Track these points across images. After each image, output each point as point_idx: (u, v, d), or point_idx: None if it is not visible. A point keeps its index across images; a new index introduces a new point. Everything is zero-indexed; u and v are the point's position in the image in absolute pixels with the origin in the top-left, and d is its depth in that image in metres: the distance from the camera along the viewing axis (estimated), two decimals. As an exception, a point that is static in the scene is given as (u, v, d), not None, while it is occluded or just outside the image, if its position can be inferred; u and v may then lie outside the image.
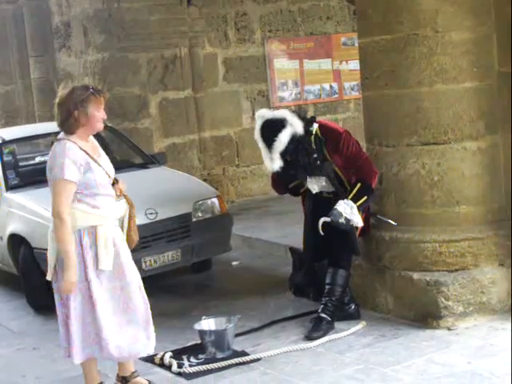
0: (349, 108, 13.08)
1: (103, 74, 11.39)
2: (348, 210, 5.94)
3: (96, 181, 4.93)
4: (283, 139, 5.86)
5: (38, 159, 9.76)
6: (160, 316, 6.93)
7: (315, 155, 6.00)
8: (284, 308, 6.85)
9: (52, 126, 9.99)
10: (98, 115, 4.97)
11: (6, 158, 8.53)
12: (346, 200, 5.97)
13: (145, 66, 11.33)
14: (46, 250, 7.17)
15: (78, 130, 4.93)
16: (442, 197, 6.12)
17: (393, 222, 6.17)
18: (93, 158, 4.96)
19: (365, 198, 6.02)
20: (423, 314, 6.02)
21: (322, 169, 6.06)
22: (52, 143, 9.51)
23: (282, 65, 12.23)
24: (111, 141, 9.64)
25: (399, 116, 6.19)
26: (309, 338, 6.03)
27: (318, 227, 6.02)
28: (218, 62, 12.04)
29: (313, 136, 6.02)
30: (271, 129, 5.90)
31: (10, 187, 8.15)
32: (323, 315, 6.14)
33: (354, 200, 5.98)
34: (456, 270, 6.03)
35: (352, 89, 12.85)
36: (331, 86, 12.79)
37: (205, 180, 9.89)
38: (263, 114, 6.03)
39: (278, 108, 6.40)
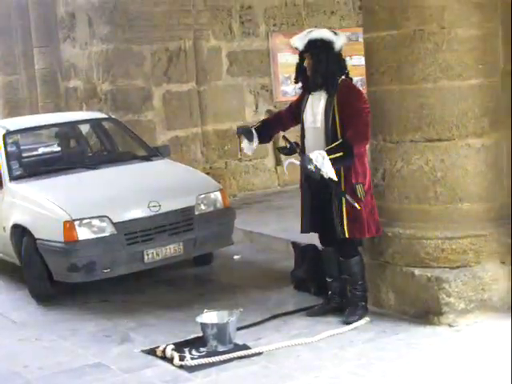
0: (352, 103, 13.05)
1: (107, 65, 11.38)
2: (320, 160, 5.85)
3: None
4: (323, 32, 6.19)
5: (41, 150, 9.79)
6: (162, 309, 7.02)
7: (333, 73, 6.15)
8: (285, 302, 6.86)
9: (55, 117, 10.09)
10: None
11: (9, 149, 8.53)
12: (320, 151, 5.91)
13: (149, 58, 11.31)
14: (48, 240, 7.27)
15: None
16: (445, 193, 6.12)
17: (357, 206, 6.00)
18: None
19: (340, 153, 5.91)
20: (424, 310, 6.03)
21: (332, 82, 6.11)
22: (56, 134, 9.66)
23: (286, 59, 12.17)
24: (114, 133, 9.66)
25: (403, 112, 6.18)
26: (346, 322, 6.11)
27: (315, 203, 6.08)
28: (222, 56, 12.02)
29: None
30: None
31: (13, 177, 8.15)
32: (354, 300, 6.23)
33: (329, 152, 5.89)
34: (458, 267, 6.04)
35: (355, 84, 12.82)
36: (335, 81, 12.75)
37: (207, 174, 9.87)
38: None
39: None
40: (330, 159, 5.86)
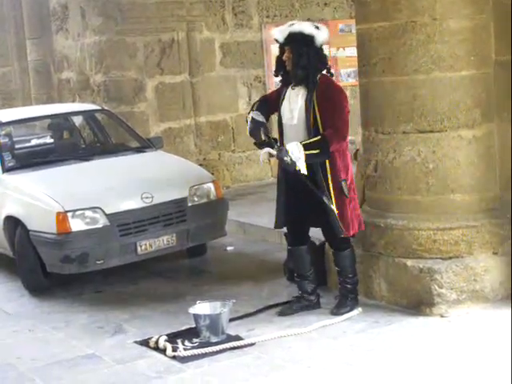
0: (345, 95, 13.07)
1: (100, 57, 11.37)
2: (296, 152, 5.80)
3: None
4: (304, 26, 5.99)
5: (34, 141, 9.77)
6: (155, 300, 7.03)
7: (314, 67, 5.96)
8: (278, 293, 6.88)
9: (48, 109, 10.08)
10: None
11: (2, 140, 8.53)
12: (298, 143, 5.86)
13: (142, 49, 11.30)
14: (42, 232, 7.27)
15: None
16: (437, 184, 6.15)
17: (334, 209, 5.94)
18: None
19: (316, 151, 5.85)
20: (416, 301, 6.05)
21: (312, 77, 5.96)
22: (48, 126, 9.65)
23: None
24: (107, 124, 9.66)
25: (395, 103, 6.20)
26: (337, 314, 6.13)
27: (291, 198, 6.05)
28: (215, 47, 12.01)
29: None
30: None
31: (6, 169, 8.14)
32: (344, 292, 6.23)
33: (306, 147, 5.84)
34: (450, 258, 6.06)
35: (348, 75, 12.83)
36: (328, 73, 12.77)
37: (200, 165, 9.88)
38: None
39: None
40: (305, 154, 5.82)
